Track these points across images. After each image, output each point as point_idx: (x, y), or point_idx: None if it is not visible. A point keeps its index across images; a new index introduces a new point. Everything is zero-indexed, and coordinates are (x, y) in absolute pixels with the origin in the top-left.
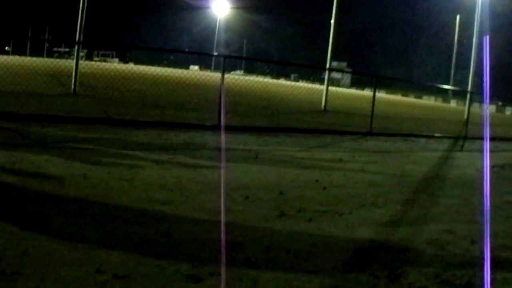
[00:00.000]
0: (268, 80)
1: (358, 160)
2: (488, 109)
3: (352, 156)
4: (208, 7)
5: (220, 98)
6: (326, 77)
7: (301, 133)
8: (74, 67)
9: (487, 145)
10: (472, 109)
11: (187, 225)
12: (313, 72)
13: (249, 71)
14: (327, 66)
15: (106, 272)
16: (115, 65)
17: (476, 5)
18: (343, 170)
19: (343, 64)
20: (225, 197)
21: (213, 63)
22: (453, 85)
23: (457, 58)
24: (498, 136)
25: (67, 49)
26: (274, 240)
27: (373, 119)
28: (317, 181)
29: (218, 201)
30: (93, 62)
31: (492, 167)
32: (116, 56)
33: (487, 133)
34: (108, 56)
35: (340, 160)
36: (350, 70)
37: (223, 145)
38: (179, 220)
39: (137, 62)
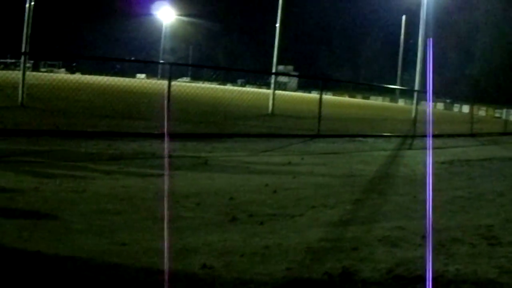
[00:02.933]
0: (215, 86)
1: (307, 163)
2: (431, 108)
3: (301, 158)
4: (153, 15)
5: (167, 105)
6: (272, 81)
7: (249, 138)
8: (21, 78)
9: (429, 142)
10: (420, 107)
11: (141, 234)
12: (260, 77)
13: (196, 77)
14: (273, 70)
15: None
16: (62, 75)
17: (421, 6)
18: (293, 173)
19: (290, 68)
20: (177, 205)
21: (159, 71)
22: (400, 84)
23: (403, 57)
24: (446, 133)
25: (12, 60)
26: (228, 244)
27: (320, 121)
28: (267, 185)
29: (170, 208)
30: (40, 73)
31: (441, 163)
32: (63, 66)
33: (430, 131)
34: (55, 66)
35: (289, 163)
36: (296, 73)
37: (172, 153)
38: (133, 229)
39: (84, 72)
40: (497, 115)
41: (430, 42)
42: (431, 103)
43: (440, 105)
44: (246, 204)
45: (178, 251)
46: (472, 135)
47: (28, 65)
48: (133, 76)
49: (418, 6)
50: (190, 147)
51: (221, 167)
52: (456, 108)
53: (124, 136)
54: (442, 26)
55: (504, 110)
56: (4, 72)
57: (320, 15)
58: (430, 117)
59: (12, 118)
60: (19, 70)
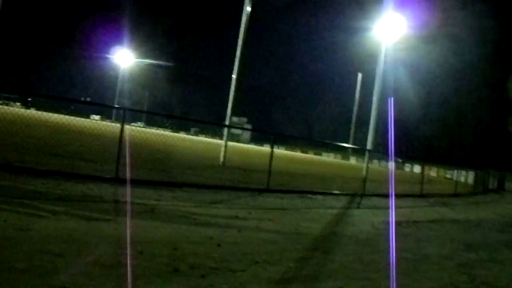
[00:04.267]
0: (168, 133)
1: (254, 217)
2: (393, 167)
3: (248, 213)
4: (112, 58)
5: (118, 150)
6: (225, 132)
7: (198, 188)
8: None
9: (392, 202)
10: (371, 166)
11: (81, 278)
12: (213, 126)
13: (150, 123)
14: (227, 122)
15: None
16: (16, 110)
17: (377, 65)
18: (238, 227)
19: (244, 120)
20: (120, 252)
21: (113, 114)
22: (353, 142)
23: (357, 116)
24: (396, 193)
25: None
26: None
27: (270, 175)
28: (211, 238)
29: (113, 255)
30: None
31: (389, 223)
32: (19, 101)
33: (392, 190)
34: (10, 100)
35: (236, 217)
36: (249, 126)
37: (119, 199)
38: (74, 273)
39: (39, 107)
40: (448, 175)
41: (391, 101)
42: (393, 162)
43: (391, 164)
44: (190, 255)
45: None
46: (422, 195)
47: None
48: (88, 116)
49: (374, 65)
50: (139, 193)
51: (167, 217)
52: (407, 168)
53: (73, 177)
54: (397, 85)
55: (455, 171)
56: None
57: (277, 70)
58: (392, 176)
59: None
60: None
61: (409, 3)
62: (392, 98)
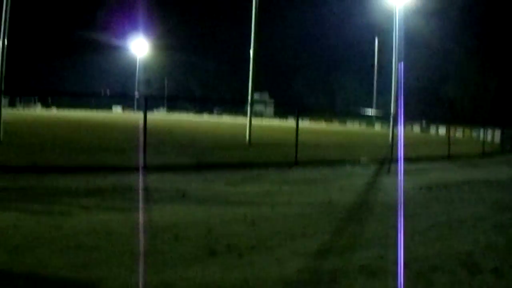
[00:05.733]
0: (191, 116)
1: (285, 192)
2: (401, 132)
3: (279, 188)
4: (127, 48)
5: (144, 138)
6: (248, 110)
7: (226, 169)
8: None
9: (400, 167)
10: (396, 132)
11: (118, 269)
12: (236, 105)
13: (172, 108)
14: (249, 98)
15: None
16: (37, 111)
17: (394, 30)
18: (271, 203)
19: (265, 95)
20: (155, 238)
21: (135, 103)
22: (376, 108)
23: (378, 81)
24: (423, 156)
25: None
26: (206, 278)
27: (298, 149)
28: (245, 216)
29: (148, 243)
30: (15, 110)
31: (420, 188)
32: (39, 101)
33: (401, 155)
34: (31, 102)
35: (267, 193)
36: (272, 101)
37: (149, 186)
38: (111, 265)
39: (60, 106)
40: (474, 135)
41: (401, 66)
42: (402, 126)
43: (416, 128)
44: (225, 236)
45: (155, 287)
46: (450, 157)
47: (3, 101)
48: (109, 108)
49: (390, 28)
50: (168, 179)
51: (199, 199)
52: (432, 130)
53: (101, 170)
54: (416, 47)
55: (481, 131)
56: None
57: (293, 42)
58: (401, 140)
59: None
60: None
61: None
62: (402, 63)
